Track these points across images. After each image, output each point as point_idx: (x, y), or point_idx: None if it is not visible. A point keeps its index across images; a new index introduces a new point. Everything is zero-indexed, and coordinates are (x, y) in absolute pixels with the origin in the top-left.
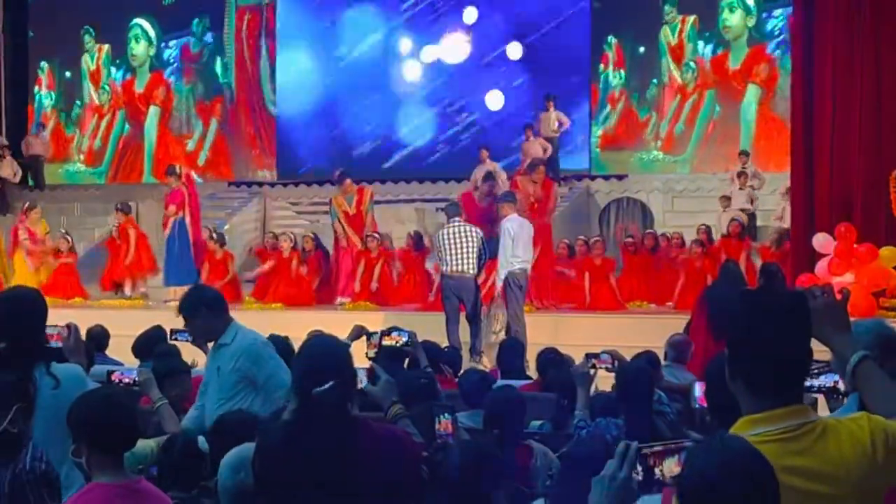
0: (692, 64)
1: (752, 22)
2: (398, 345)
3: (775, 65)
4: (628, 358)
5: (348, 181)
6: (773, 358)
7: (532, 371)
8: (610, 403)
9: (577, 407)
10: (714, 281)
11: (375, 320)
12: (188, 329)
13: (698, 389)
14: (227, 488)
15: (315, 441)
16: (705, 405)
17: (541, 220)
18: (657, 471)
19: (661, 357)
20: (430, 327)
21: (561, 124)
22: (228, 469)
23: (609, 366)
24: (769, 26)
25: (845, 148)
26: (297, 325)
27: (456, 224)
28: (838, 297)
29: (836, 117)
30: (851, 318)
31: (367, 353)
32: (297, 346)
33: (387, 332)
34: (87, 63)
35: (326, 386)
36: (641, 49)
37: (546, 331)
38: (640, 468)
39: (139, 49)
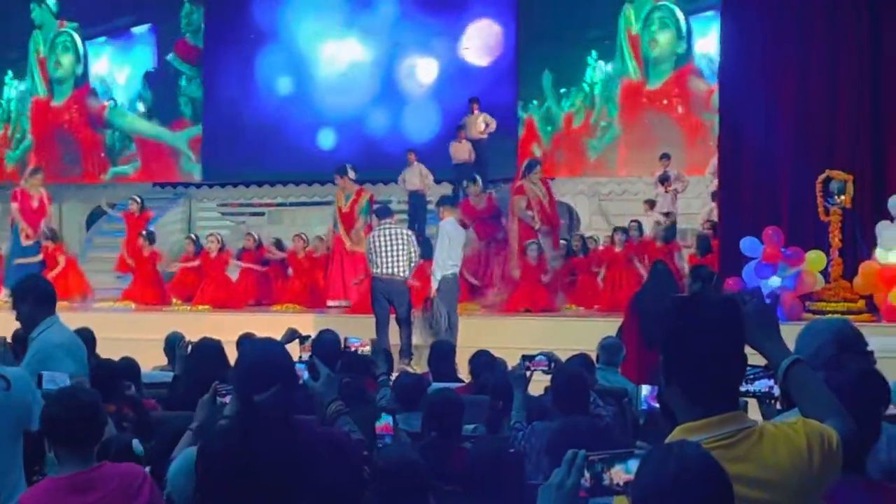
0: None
1: (681, 48)
2: (362, 352)
3: (702, 75)
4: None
5: (347, 178)
6: (707, 365)
7: (465, 374)
8: (546, 406)
9: (514, 409)
10: (644, 283)
11: (305, 322)
12: (15, 312)
13: (646, 391)
14: (181, 493)
15: (257, 446)
16: (657, 406)
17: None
18: (605, 477)
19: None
20: (360, 330)
21: (487, 126)
22: (182, 476)
23: (545, 368)
24: (696, 38)
25: (773, 152)
26: (230, 329)
27: (386, 226)
28: (767, 300)
29: (763, 121)
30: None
31: (300, 357)
32: (228, 348)
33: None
34: None
35: (269, 392)
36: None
37: (476, 333)
38: (588, 475)
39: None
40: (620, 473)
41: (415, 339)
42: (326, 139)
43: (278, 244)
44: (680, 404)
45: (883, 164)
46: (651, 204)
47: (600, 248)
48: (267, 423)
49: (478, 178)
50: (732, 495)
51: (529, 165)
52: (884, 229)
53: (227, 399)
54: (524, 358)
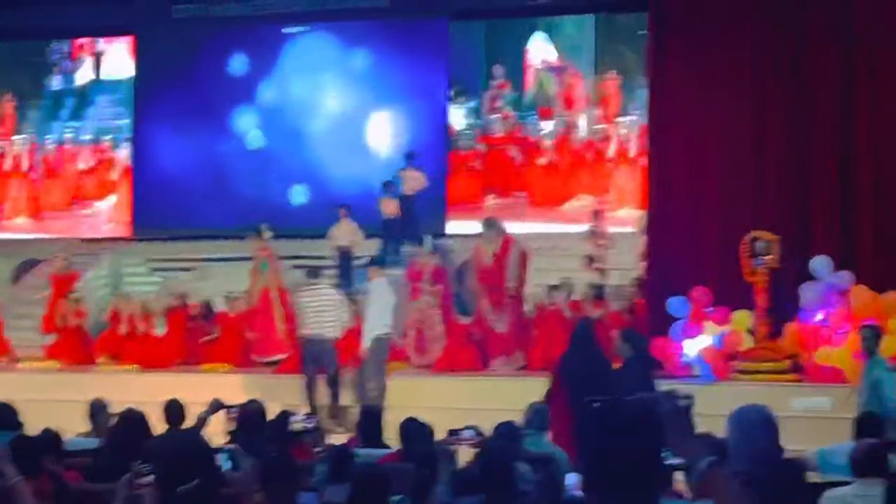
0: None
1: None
2: (305, 428)
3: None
4: (488, 423)
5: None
6: (625, 470)
7: (393, 439)
8: (472, 479)
9: (439, 483)
10: (568, 346)
11: (233, 385)
12: None
13: (572, 479)
14: None
15: None
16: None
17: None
18: None
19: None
20: (289, 391)
21: (418, 182)
22: None
23: (472, 443)
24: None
25: (699, 213)
26: (156, 391)
27: (315, 287)
28: (682, 402)
29: (690, 183)
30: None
31: (226, 429)
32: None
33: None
34: None
35: (191, 484)
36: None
37: (406, 393)
38: None
39: None
40: None
41: (343, 401)
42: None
43: (207, 309)
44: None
45: (808, 226)
46: (590, 259)
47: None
48: None
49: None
50: None
51: (488, 223)
52: (808, 289)
53: (145, 482)
54: (451, 433)
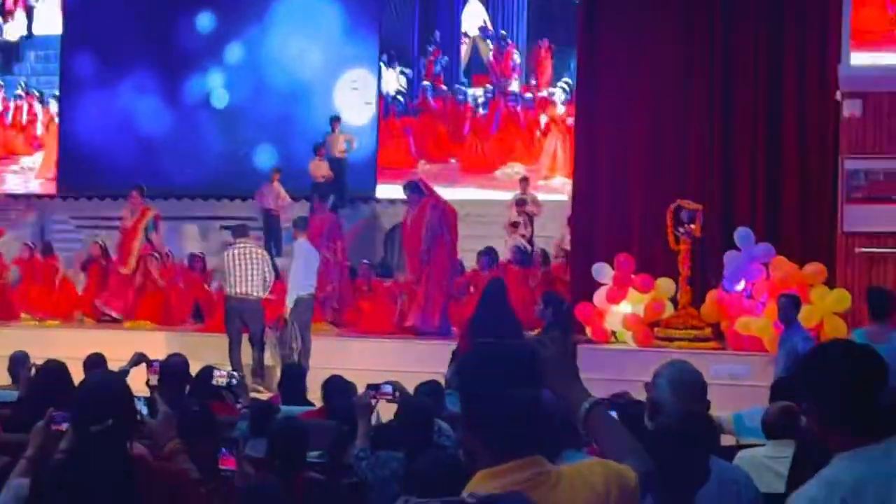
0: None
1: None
2: (228, 385)
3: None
4: (412, 385)
5: (135, 195)
6: (504, 412)
7: (318, 397)
8: (391, 435)
9: (358, 437)
10: (477, 306)
11: (155, 341)
12: None
13: None
14: None
15: (91, 479)
16: None
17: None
18: None
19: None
20: (212, 349)
21: (349, 144)
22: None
23: (390, 397)
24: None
25: (625, 180)
26: (79, 346)
27: (241, 245)
28: (569, 346)
29: (616, 150)
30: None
31: (147, 381)
32: (73, 366)
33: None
34: None
35: (106, 424)
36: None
37: (330, 355)
38: None
39: None
40: None
41: (267, 360)
42: (194, 154)
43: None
44: (479, 450)
45: (732, 196)
46: (514, 225)
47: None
48: (103, 456)
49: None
50: None
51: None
52: (731, 259)
53: (63, 427)
54: (370, 387)
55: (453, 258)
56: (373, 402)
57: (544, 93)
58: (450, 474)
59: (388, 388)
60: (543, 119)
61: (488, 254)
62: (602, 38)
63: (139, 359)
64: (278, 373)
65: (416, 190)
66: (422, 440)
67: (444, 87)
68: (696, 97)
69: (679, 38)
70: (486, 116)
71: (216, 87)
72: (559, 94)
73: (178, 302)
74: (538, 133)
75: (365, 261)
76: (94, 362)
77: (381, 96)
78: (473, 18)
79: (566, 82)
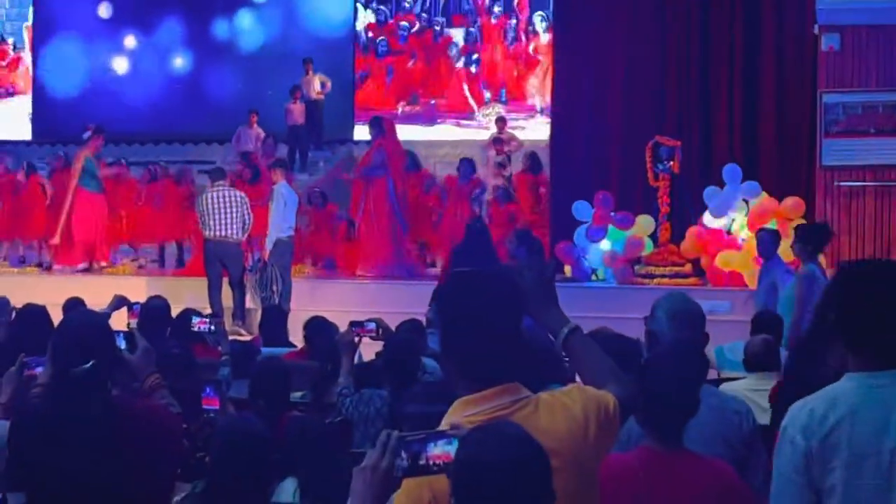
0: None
1: None
2: (205, 329)
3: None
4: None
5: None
6: (482, 338)
7: (299, 339)
8: (375, 373)
9: (341, 375)
10: (459, 244)
11: (137, 286)
12: None
13: None
14: None
15: (71, 419)
16: None
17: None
18: (423, 457)
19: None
20: (192, 292)
21: (324, 86)
22: None
23: (374, 334)
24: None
25: (603, 117)
26: (60, 291)
27: (219, 188)
28: (546, 273)
29: (594, 88)
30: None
31: (128, 324)
32: (55, 312)
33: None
34: None
35: (86, 366)
36: None
37: (310, 296)
38: (404, 455)
39: None
40: (438, 453)
41: (248, 302)
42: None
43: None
44: (457, 378)
45: (710, 132)
46: (501, 166)
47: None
48: (82, 396)
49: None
50: (550, 471)
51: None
52: (712, 195)
53: (37, 371)
54: (353, 324)
55: (395, 201)
56: (356, 339)
57: (526, 31)
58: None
59: (372, 326)
60: (523, 56)
61: (467, 163)
62: None
63: (119, 302)
64: (259, 315)
65: (376, 127)
66: (406, 377)
67: (423, 25)
68: (673, 33)
69: None
70: (465, 54)
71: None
72: (538, 24)
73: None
74: (520, 70)
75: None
76: (73, 306)
77: (356, 36)
78: None
79: (542, 14)
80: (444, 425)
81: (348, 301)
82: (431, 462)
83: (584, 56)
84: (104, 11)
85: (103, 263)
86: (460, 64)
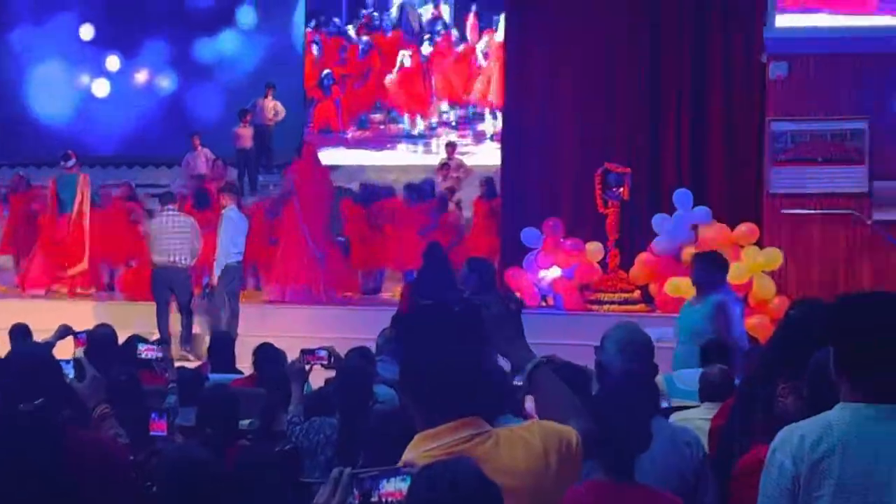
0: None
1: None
2: (151, 357)
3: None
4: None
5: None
6: (443, 371)
7: (247, 365)
8: (325, 401)
9: (291, 403)
10: (420, 271)
11: (82, 312)
12: None
13: None
14: None
15: (21, 458)
16: None
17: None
18: (375, 495)
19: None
20: (140, 318)
21: (277, 114)
22: None
23: (325, 362)
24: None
25: (555, 144)
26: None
27: (169, 213)
28: (512, 306)
29: (545, 114)
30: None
31: (74, 353)
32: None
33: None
34: None
35: (36, 403)
36: None
37: (258, 322)
38: (356, 492)
39: None
40: (390, 490)
41: (195, 328)
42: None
43: None
44: (417, 412)
45: (659, 159)
46: (444, 169)
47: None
48: (32, 435)
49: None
50: None
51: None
52: (661, 222)
53: None
54: (304, 352)
55: (305, 227)
56: (307, 367)
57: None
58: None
59: (324, 353)
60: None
61: (422, 187)
62: (529, 3)
63: (64, 331)
64: (207, 340)
65: (297, 153)
66: (358, 406)
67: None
68: (622, 61)
69: (605, 3)
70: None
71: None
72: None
73: None
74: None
75: None
76: (20, 332)
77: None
78: None
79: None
80: (402, 460)
81: (298, 327)
82: (383, 500)
83: (533, 84)
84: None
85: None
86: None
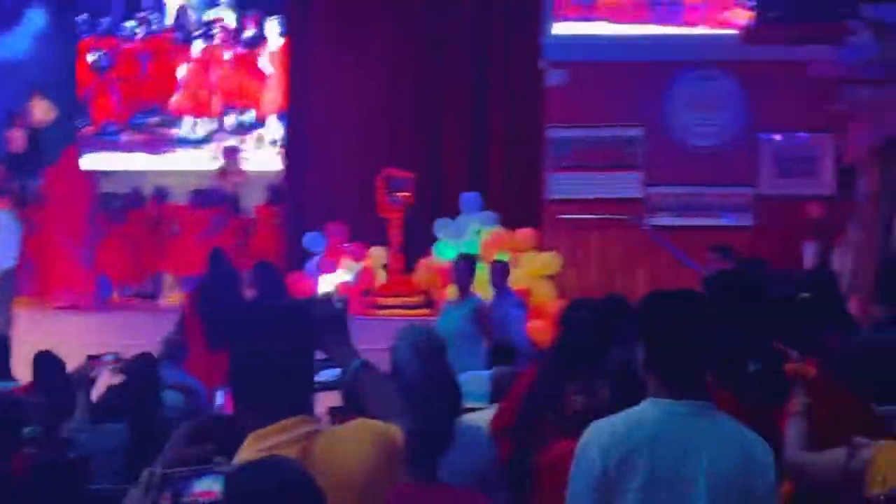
0: None
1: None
2: None
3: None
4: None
5: None
6: (273, 372)
7: (23, 372)
8: (111, 407)
9: (76, 410)
10: (203, 278)
11: None
12: None
13: (220, 397)
14: None
15: None
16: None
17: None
18: (186, 494)
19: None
20: None
21: (47, 114)
22: None
23: (112, 367)
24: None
25: (338, 148)
26: None
27: None
28: (338, 305)
29: (328, 119)
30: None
31: None
32: None
33: None
34: None
35: None
36: None
37: (31, 330)
38: (168, 493)
39: None
40: (202, 490)
41: None
42: None
43: None
44: (248, 412)
45: (442, 164)
46: (223, 174)
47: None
48: None
49: None
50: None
51: None
52: (442, 226)
53: None
54: (90, 357)
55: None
56: (93, 373)
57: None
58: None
59: (110, 359)
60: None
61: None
62: (312, 9)
63: None
64: None
65: (55, 159)
66: (146, 411)
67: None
68: (405, 67)
69: (387, 8)
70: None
71: None
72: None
73: None
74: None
75: None
76: None
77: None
78: None
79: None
80: (235, 461)
81: (76, 335)
82: (195, 499)
83: (316, 89)
84: None
85: None
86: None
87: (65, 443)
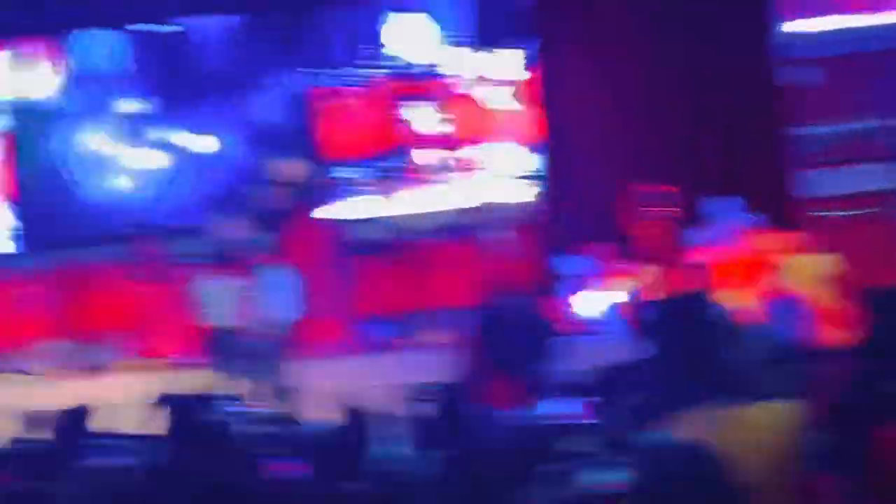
0: None
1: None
2: None
3: None
4: None
5: None
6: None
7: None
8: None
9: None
10: (485, 308)
11: None
12: None
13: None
14: None
15: None
16: None
17: None
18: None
19: None
20: None
21: (297, 170)
22: None
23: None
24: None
25: (591, 170)
26: None
27: None
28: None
29: (583, 134)
30: None
31: None
32: None
33: None
34: None
35: None
36: None
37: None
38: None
39: None
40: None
41: None
42: None
43: None
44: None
45: (692, 174)
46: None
47: None
48: None
49: None
50: None
51: None
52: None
53: None
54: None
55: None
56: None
57: None
58: None
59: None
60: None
61: None
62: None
63: None
64: None
65: None
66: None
67: None
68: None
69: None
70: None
71: None
72: None
73: None
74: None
75: None
76: None
77: None
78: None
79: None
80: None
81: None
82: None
83: (568, 117)
84: None
85: None
86: None
87: None
